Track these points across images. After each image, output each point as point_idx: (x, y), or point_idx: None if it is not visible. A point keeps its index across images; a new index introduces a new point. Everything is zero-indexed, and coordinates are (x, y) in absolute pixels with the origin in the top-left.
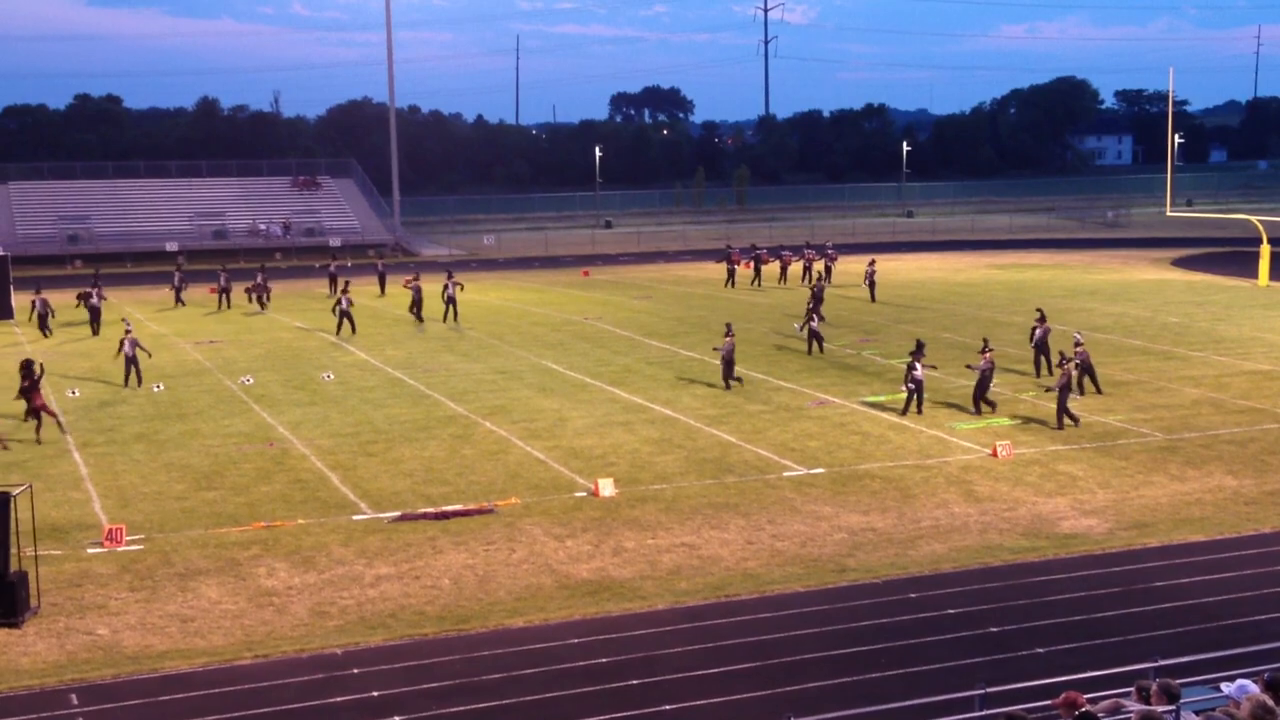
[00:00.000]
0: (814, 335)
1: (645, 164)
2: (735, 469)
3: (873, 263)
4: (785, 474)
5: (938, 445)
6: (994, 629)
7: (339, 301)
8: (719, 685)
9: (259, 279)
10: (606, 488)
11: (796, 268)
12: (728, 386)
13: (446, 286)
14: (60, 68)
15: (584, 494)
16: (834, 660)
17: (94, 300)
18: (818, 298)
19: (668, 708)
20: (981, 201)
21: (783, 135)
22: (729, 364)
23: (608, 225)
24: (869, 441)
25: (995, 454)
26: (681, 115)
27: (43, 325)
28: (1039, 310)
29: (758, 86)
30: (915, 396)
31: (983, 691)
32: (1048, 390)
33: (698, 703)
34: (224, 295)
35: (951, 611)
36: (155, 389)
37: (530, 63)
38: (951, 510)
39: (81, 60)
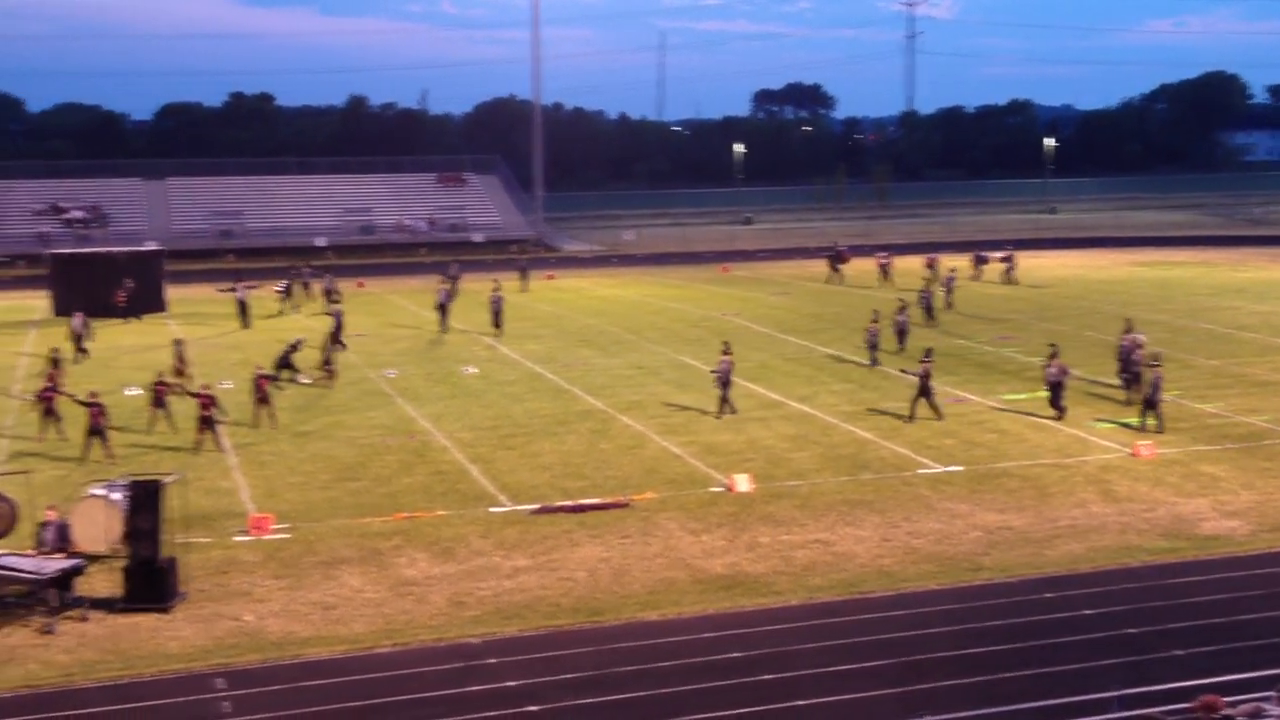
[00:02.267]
0: (899, 334)
1: (786, 160)
2: (871, 466)
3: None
4: (921, 471)
5: (1077, 444)
6: (1131, 630)
7: (441, 294)
8: (850, 682)
9: (452, 269)
10: (742, 483)
11: (906, 265)
12: (721, 412)
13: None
14: (215, 66)
15: (719, 489)
16: (966, 659)
17: (240, 294)
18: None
19: (799, 704)
20: (1127, 198)
21: (925, 131)
22: (725, 385)
23: (747, 221)
24: (1006, 439)
25: (1137, 454)
26: (823, 111)
27: (243, 313)
28: (1127, 320)
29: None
30: (1054, 394)
31: (1118, 693)
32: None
33: (829, 699)
34: (306, 289)
35: (1087, 612)
36: (303, 381)
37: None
38: (1090, 510)
39: (236, 59)
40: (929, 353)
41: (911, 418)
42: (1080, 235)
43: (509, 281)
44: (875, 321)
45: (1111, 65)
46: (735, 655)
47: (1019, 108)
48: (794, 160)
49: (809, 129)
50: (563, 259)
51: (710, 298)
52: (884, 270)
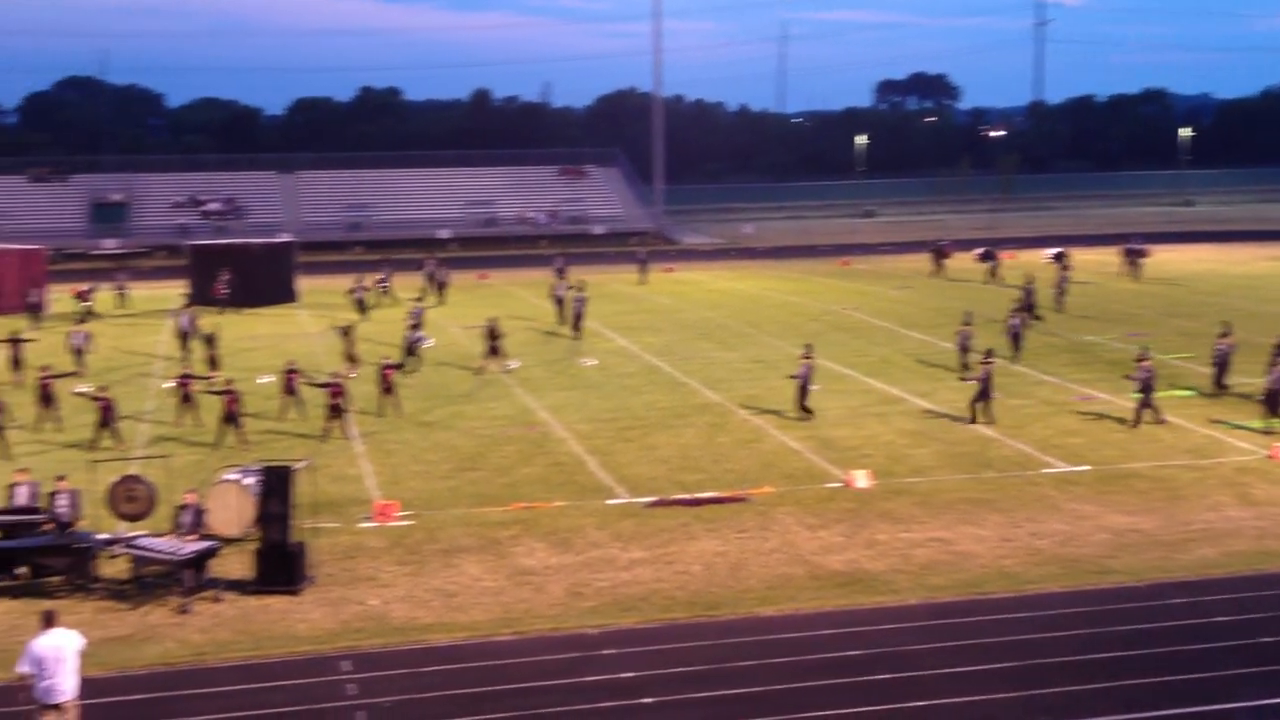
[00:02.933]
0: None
1: (909, 152)
2: (994, 464)
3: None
4: (1046, 471)
5: (1212, 445)
6: (1266, 639)
7: (558, 288)
8: (969, 684)
9: (558, 262)
10: (861, 479)
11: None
12: (803, 415)
13: (571, 294)
14: (346, 62)
15: (837, 485)
16: (1090, 664)
17: (357, 293)
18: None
19: (918, 704)
20: (1267, 190)
21: (1053, 122)
22: (804, 391)
23: (868, 214)
24: (1137, 439)
25: (1275, 456)
26: (948, 102)
27: (360, 306)
28: (1224, 324)
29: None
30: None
31: (1250, 704)
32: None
33: (947, 701)
34: (438, 286)
35: (1220, 619)
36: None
37: (795, 50)
38: (1225, 513)
39: (365, 55)
40: (989, 354)
41: (973, 420)
42: (1217, 229)
43: (628, 274)
44: (968, 324)
45: (1252, 52)
46: (853, 653)
47: (1153, 96)
48: (917, 152)
49: (933, 120)
50: (682, 251)
51: (830, 291)
52: (991, 268)
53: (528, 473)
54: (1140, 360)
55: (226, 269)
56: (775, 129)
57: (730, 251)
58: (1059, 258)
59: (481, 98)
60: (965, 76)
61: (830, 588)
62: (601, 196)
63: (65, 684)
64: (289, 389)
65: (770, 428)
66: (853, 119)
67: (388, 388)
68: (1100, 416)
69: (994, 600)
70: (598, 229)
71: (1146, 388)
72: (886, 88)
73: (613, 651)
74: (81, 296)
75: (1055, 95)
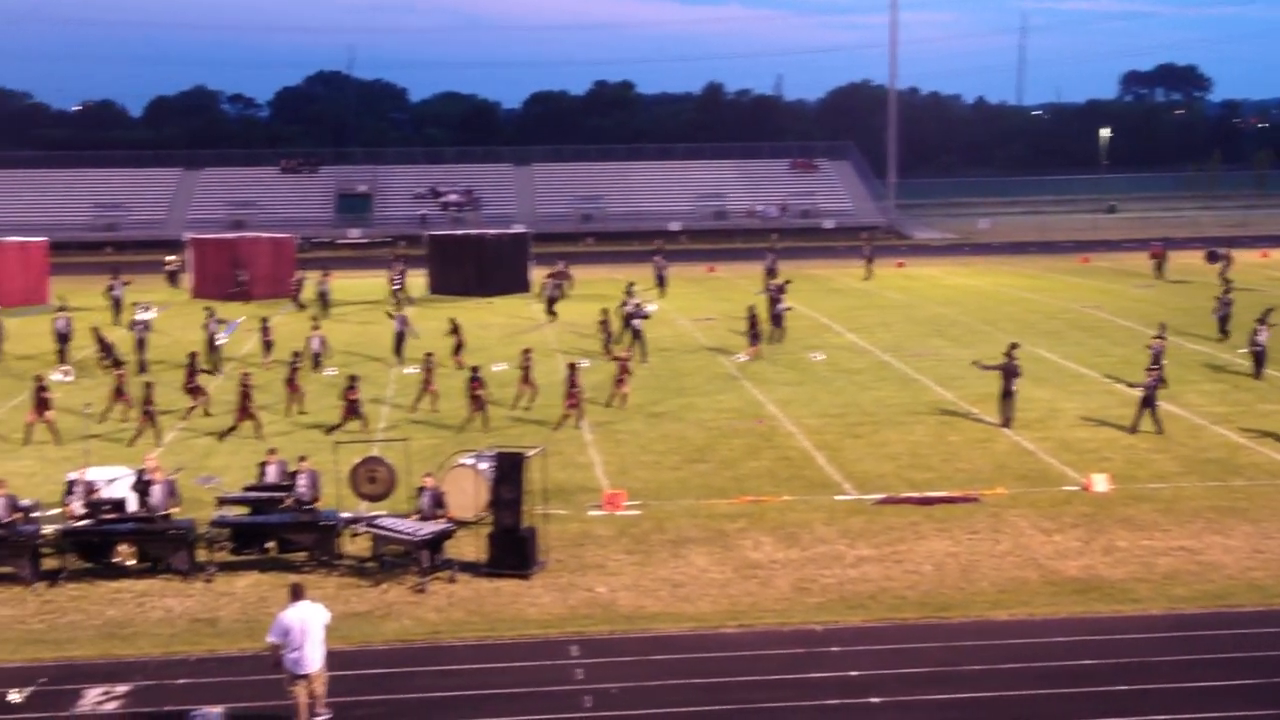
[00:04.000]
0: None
1: (1155, 146)
2: (1243, 471)
3: None
4: None
5: None
6: None
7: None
8: (1213, 699)
9: (769, 260)
10: (1099, 483)
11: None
12: (1156, 429)
13: (625, 304)
14: (581, 56)
15: (1074, 488)
16: None
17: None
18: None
19: (1157, 718)
20: None
21: None
22: (1009, 394)
23: (1111, 210)
24: None
25: None
26: (1198, 94)
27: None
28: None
29: None
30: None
31: None
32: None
33: (1188, 716)
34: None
35: None
36: (495, 368)
37: (1035, 41)
38: None
39: (600, 49)
40: (1157, 360)
41: (1134, 429)
42: None
43: (857, 269)
44: (1160, 337)
45: None
46: (1089, 662)
47: None
48: (1164, 145)
49: (1181, 112)
50: (914, 246)
51: (1069, 289)
52: (1221, 269)
53: (755, 466)
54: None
55: (564, 262)
56: (1013, 122)
57: (964, 247)
58: None
59: (714, 91)
60: (1217, 67)
61: (1066, 594)
62: (832, 190)
63: (312, 655)
64: (526, 377)
65: (1004, 427)
66: (1095, 111)
67: (620, 379)
68: None
69: (1241, 613)
70: (828, 223)
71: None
72: (1132, 79)
73: (839, 649)
74: (394, 282)
75: None
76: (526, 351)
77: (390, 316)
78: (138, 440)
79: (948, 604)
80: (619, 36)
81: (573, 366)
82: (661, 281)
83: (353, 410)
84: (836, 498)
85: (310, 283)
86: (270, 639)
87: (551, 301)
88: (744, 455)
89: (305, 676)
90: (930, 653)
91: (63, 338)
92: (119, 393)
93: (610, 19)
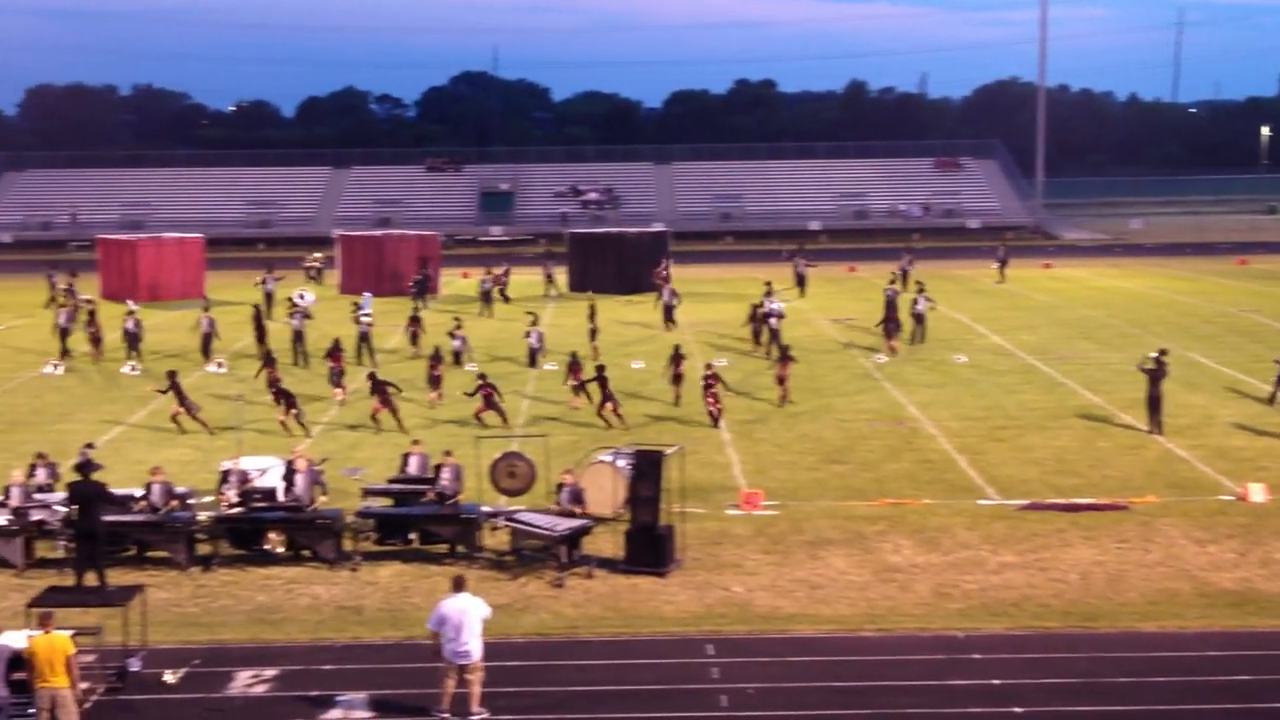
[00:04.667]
0: None
1: None
2: None
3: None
4: None
5: None
6: None
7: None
8: None
9: (904, 260)
10: (1257, 493)
11: None
12: (1152, 425)
13: (762, 305)
14: (722, 54)
15: (1230, 498)
16: None
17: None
18: None
19: None
20: None
21: None
22: (1155, 399)
23: (1271, 211)
24: None
25: None
26: None
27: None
28: None
29: None
30: None
31: None
32: None
33: None
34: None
35: None
36: (635, 365)
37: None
38: None
39: (742, 47)
40: None
41: None
42: None
43: (989, 270)
44: None
45: None
46: (1245, 678)
47: None
48: None
49: None
50: (1062, 247)
51: (1225, 292)
52: None
53: (895, 468)
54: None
55: (665, 258)
56: (1168, 119)
57: (1115, 248)
58: None
59: (856, 89)
60: None
61: (1220, 607)
62: (978, 189)
63: (469, 646)
64: (676, 378)
65: (1155, 433)
66: (1256, 109)
67: (781, 377)
68: None
69: None
70: (973, 223)
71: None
72: None
73: (981, 656)
74: (500, 282)
75: None
76: (677, 349)
77: (531, 319)
78: (297, 429)
79: (1094, 614)
80: (761, 35)
81: (710, 368)
82: (801, 281)
83: (490, 405)
84: (979, 502)
85: (474, 281)
86: (429, 626)
87: (669, 310)
88: (884, 457)
89: (462, 667)
90: (1075, 663)
91: (207, 338)
92: (274, 388)
93: (753, 17)
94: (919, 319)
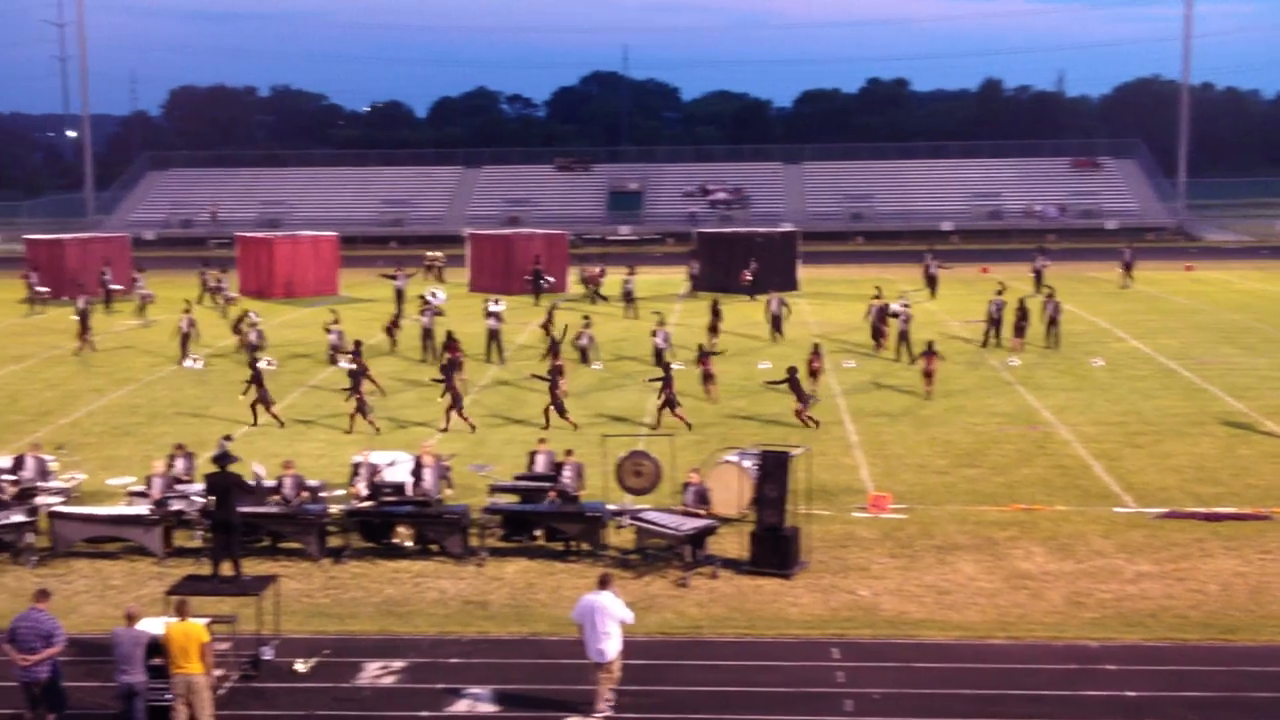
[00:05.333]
0: None
1: None
2: None
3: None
4: None
5: None
6: None
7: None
8: None
9: (1039, 260)
10: None
11: None
12: None
13: (888, 307)
14: (854, 53)
15: None
16: None
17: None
18: None
19: None
20: None
21: None
22: None
23: None
24: None
25: None
26: None
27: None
28: None
29: None
30: None
31: None
32: None
33: None
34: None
35: None
36: (761, 366)
37: None
38: None
39: (874, 46)
40: None
41: None
42: None
43: (1142, 272)
44: None
45: None
46: None
47: None
48: None
49: None
50: (1204, 249)
51: None
52: None
53: (1028, 473)
54: None
55: (755, 258)
56: None
57: (1260, 250)
58: None
59: (991, 87)
60: None
61: None
62: (1116, 190)
63: (600, 645)
64: (812, 372)
65: None
66: None
67: (928, 372)
68: None
69: None
70: (1111, 224)
71: None
72: None
73: (1115, 667)
74: (595, 282)
75: None
76: (816, 347)
77: (658, 318)
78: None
79: (1235, 626)
80: (893, 33)
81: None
82: (932, 283)
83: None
84: (1115, 510)
85: (616, 279)
86: (572, 616)
87: (777, 320)
88: (1016, 462)
89: (599, 665)
90: (1214, 677)
91: (335, 348)
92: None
93: (885, 15)
94: (1053, 322)
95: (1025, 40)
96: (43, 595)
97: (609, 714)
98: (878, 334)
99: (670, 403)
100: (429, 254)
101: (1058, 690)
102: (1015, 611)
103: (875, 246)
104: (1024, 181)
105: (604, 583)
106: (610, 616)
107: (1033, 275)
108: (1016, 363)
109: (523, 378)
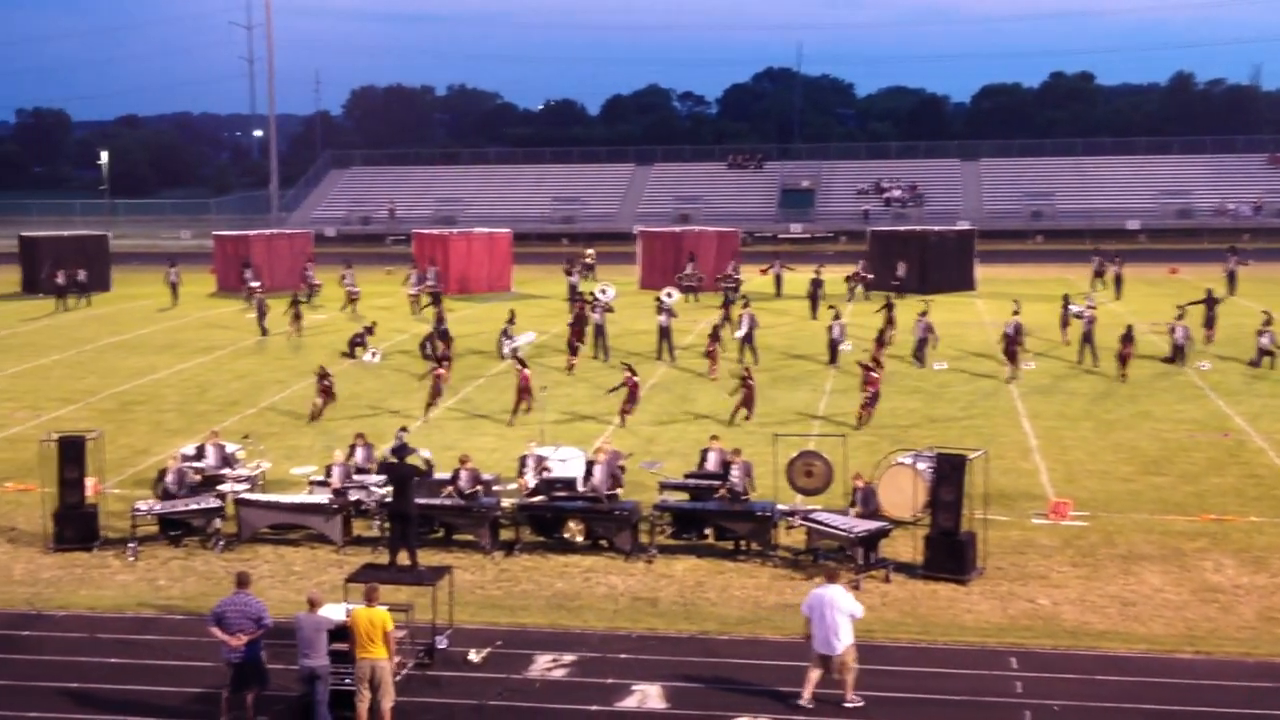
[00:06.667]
0: None
1: None
2: None
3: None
4: None
5: None
6: None
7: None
8: None
9: (1239, 260)
10: None
11: None
12: None
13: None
14: (1036, 47)
15: None
16: None
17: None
18: None
19: None
20: None
21: None
22: None
23: None
24: None
25: None
26: None
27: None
28: None
29: None
30: None
31: None
32: None
33: None
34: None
35: None
36: (936, 366)
37: None
38: None
39: (1057, 38)
40: None
41: None
42: None
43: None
44: None
45: None
46: None
47: None
48: None
49: None
50: None
51: None
52: None
53: (1218, 483)
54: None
55: (904, 260)
56: None
57: None
58: None
59: (1182, 81)
60: None
61: None
62: None
63: (830, 638)
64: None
65: None
66: None
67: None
68: None
69: None
70: None
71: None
72: None
73: None
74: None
75: None
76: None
77: (834, 313)
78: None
79: None
80: (1078, 25)
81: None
82: (1117, 283)
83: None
84: None
85: (803, 278)
86: (802, 609)
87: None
88: (1206, 470)
89: (821, 657)
90: None
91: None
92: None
93: (1068, 7)
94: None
95: (1218, 31)
96: (244, 579)
97: (859, 704)
98: (1085, 336)
99: (872, 400)
100: (584, 252)
101: (1248, 709)
102: (1204, 625)
103: (1055, 245)
104: (1216, 179)
105: (832, 576)
106: (840, 610)
107: (1225, 276)
108: (1207, 366)
109: (696, 374)
